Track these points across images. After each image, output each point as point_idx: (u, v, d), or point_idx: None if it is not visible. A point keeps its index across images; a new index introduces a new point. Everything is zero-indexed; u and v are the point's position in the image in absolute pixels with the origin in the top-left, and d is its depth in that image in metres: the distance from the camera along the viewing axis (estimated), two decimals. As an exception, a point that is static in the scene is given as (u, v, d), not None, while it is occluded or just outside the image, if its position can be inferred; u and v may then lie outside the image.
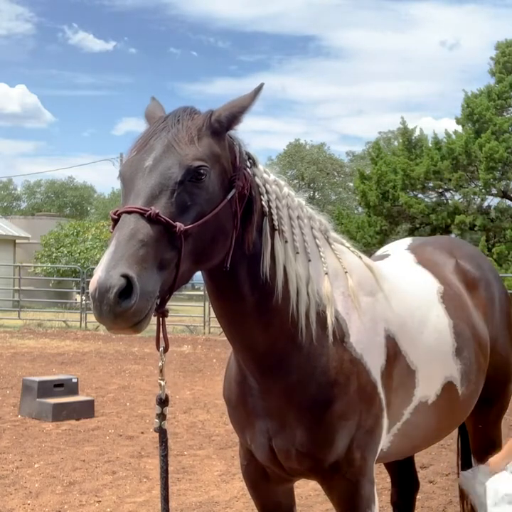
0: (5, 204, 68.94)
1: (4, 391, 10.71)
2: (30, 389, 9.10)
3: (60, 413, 8.76)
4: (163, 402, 2.63)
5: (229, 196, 2.47)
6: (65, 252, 30.45)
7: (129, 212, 2.26)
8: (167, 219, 2.26)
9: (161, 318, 2.43)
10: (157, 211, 2.25)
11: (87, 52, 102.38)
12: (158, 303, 2.33)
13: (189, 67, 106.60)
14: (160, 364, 2.58)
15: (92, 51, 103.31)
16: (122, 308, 2.13)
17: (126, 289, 2.12)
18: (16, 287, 26.46)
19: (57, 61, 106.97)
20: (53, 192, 70.60)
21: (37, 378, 9.47)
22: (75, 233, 31.62)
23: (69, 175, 74.63)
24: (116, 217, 2.29)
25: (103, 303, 2.12)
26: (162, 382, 2.63)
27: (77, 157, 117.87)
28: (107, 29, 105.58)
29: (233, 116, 2.51)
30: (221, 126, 2.49)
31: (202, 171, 2.36)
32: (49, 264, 30.02)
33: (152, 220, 2.24)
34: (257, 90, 2.54)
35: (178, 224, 2.27)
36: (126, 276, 2.12)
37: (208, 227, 2.38)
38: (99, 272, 2.14)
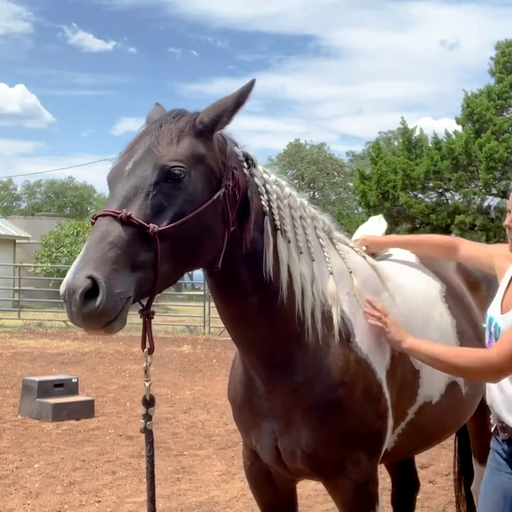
0: (5, 204, 68.88)
1: (4, 391, 10.71)
2: (30, 389, 9.10)
3: (60, 413, 8.76)
4: (148, 402, 2.64)
5: (216, 196, 2.46)
6: (65, 252, 30.44)
7: (103, 216, 2.31)
8: (139, 221, 2.28)
9: (146, 320, 2.46)
10: (129, 213, 2.27)
11: (86, 52, 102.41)
12: (144, 304, 2.41)
13: (188, 67, 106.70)
14: (144, 365, 2.59)
15: (91, 51, 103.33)
16: (88, 309, 2.17)
17: (92, 290, 2.16)
18: (16, 287, 26.46)
19: (57, 61, 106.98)
20: (53, 192, 70.55)
21: (37, 378, 9.47)
22: (75, 233, 31.62)
23: (69, 175, 74.61)
24: (93, 221, 2.34)
25: (71, 304, 2.17)
26: (147, 383, 2.64)
27: (77, 157, 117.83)
28: (106, 29, 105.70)
29: (218, 116, 2.51)
30: (205, 127, 2.49)
31: (177, 172, 2.37)
32: (49, 264, 30.01)
33: (124, 222, 2.26)
34: (245, 88, 2.52)
35: (151, 225, 2.29)
36: (91, 278, 2.16)
37: (189, 227, 2.38)
38: (68, 275, 2.20)
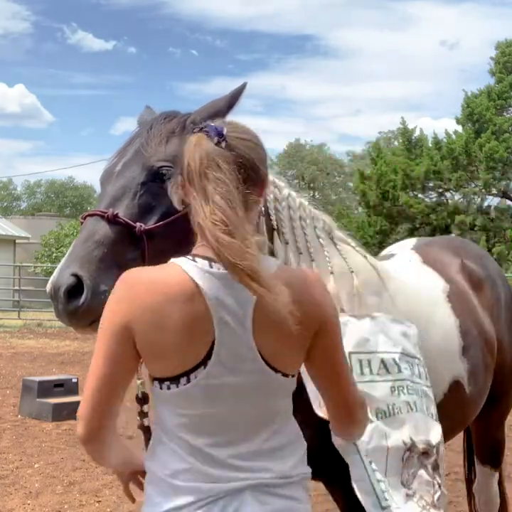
0: (5, 204, 68.96)
1: (4, 391, 10.71)
2: (30, 389, 9.10)
3: (60, 413, 8.76)
4: (141, 400, 2.64)
5: None
6: (65, 252, 30.41)
7: (91, 216, 2.34)
8: (126, 219, 2.30)
9: None
10: (115, 212, 2.30)
11: (86, 52, 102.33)
12: None
13: (187, 66, 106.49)
14: None
15: (91, 50, 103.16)
16: (73, 307, 2.21)
17: (77, 288, 2.19)
18: (16, 287, 26.47)
19: (56, 60, 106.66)
20: (53, 192, 70.65)
21: (37, 378, 9.47)
22: (75, 233, 31.63)
23: (69, 175, 74.72)
24: (82, 220, 2.37)
25: (58, 302, 2.22)
26: (138, 381, 2.64)
27: (77, 157, 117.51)
28: (106, 28, 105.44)
29: (210, 117, 2.51)
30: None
31: (164, 171, 2.39)
32: (49, 264, 30.04)
33: (111, 221, 2.29)
34: (237, 91, 2.54)
35: (137, 224, 2.31)
36: (76, 276, 2.20)
37: (178, 226, 2.37)
38: (54, 273, 2.25)
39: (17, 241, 32.85)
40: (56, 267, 2.37)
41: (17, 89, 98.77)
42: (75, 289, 2.19)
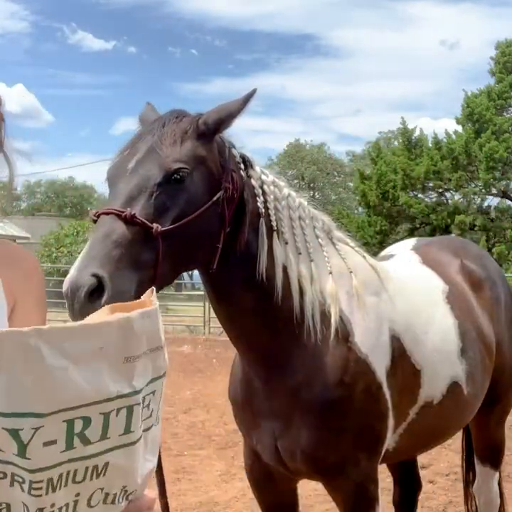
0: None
1: (4, 391, 10.71)
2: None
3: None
4: None
5: (215, 198, 2.48)
6: (65, 252, 30.50)
7: (107, 214, 2.29)
8: (143, 220, 2.28)
9: None
10: (133, 212, 2.27)
11: (86, 52, 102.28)
12: None
13: (187, 66, 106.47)
14: None
15: (91, 50, 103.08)
16: (93, 307, 2.12)
17: (97, 288, 2.15)
18: (16, 287, 26.46)
19: (56, 60, 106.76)
20: (53, 192, 70.65)
21: (37, 378, 9.47)
22: (75, 233, 31.68)
23: (69, 175, 74.71)
24: (95, 218, 2.33)
25: (75, 301, 2.15)
26: None
27: (77, 157, 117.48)
28: (106, 28, 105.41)
29: (221, 120, 2.53)
30: (208, 129, 2.51)
31: (181, 173, 2.38)
32: (49, 264, 30.05)
33: (128, 221, 2.26)
34: (249, 96, 2.56)
35: (154, 225, 2.29)
36: (96, 276, 2.15)
37: (190, 228, 2.39)
38: (71, 271, 2.18)
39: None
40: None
41: (16, 89, 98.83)
42: (94, 290, 2.15)
